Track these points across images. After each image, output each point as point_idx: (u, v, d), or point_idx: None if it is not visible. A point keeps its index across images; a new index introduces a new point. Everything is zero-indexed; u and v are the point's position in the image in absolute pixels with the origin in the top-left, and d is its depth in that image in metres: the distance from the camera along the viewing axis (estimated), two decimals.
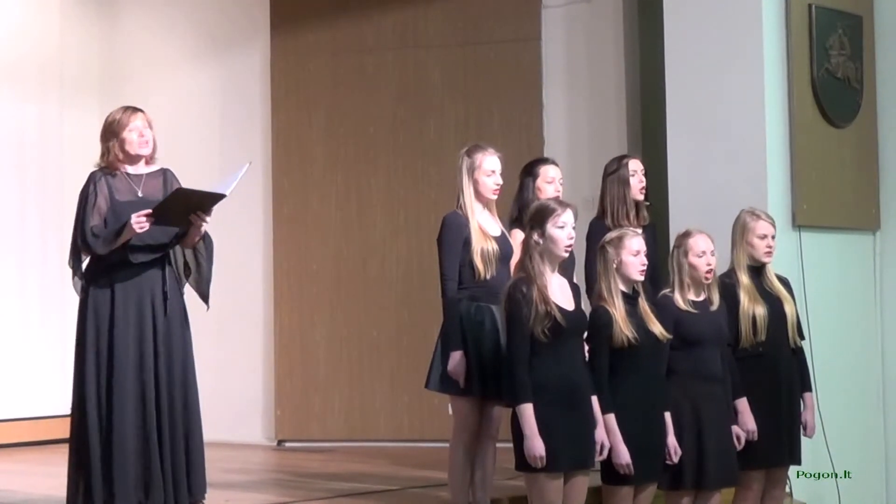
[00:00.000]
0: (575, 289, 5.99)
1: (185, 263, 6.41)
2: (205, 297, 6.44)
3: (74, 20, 10.39)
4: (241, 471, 8.31)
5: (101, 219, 6.18)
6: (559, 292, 5.85)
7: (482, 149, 6.51)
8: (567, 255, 5.95)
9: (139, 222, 6.05)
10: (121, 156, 6.26)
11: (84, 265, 6.30)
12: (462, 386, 6.33)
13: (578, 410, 5.81)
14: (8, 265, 9.91)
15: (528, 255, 5.85)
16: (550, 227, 5.83)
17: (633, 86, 9.31)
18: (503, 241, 6.47)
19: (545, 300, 5.74)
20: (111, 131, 6.26)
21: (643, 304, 6.13)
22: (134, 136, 6.25)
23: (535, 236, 5.84)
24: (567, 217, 5.85)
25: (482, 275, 6.35)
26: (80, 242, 6.22)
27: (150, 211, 6.07)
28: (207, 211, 6.22)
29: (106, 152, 6.27)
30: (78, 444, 6.24)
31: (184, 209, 6.17)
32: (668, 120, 8.10)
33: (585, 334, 6.00)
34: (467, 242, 6.36)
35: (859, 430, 8.31)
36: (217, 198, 6.19)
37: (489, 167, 6.47)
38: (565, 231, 5.84)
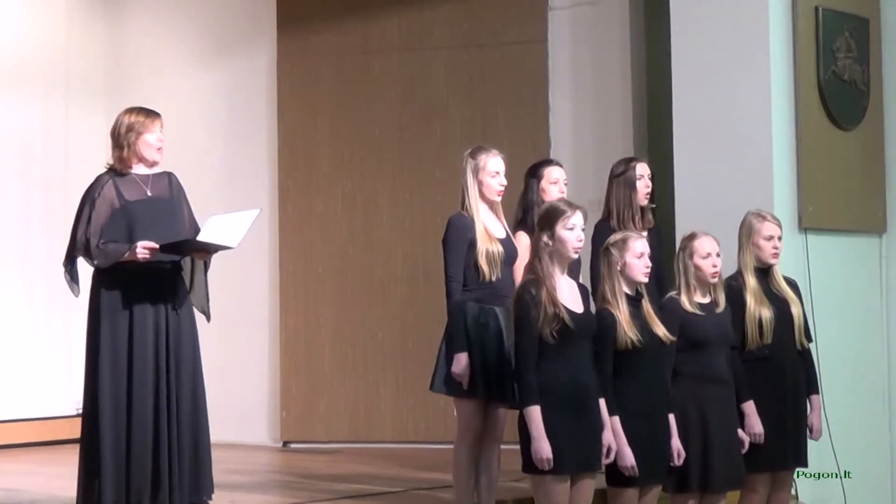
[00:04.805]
0: (584, 291, 5.98)
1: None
2: (204, 312, 6.47)
3: (80, 22, 10.40)
4: (246, 472, 8.31)
5: (100, 227, 6.21)
6: (568, 294, 5.84)
7: (486, 150, 6.51)
8: (576, 256, 5.95)
9: (143, 253, 6.10)
10: (136, 157, 6.30)
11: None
12: (466, 388, 6.33)
13: (586, 413, 5.80)
14: (13, 266, 9.93)
15: (538, 257, 5.84)
16: (560, 229, 5.82)
17: (640, 88, 9.31)
18: (508, 243, 6.47)
19: (554, 302, 5.74)
20: (133, 130, 6.29)
21: (647, 306, 6.13)
22: (153, 141, 6.30)
23: (545, 238, 5.83)
24: (577, 219, 5.84)
25: (487, 276, 6.35)
26: (81, 251, 6.24)
27: (156, 246, 6.12)
28: (212, 252, 6.32)
29: (126, 147, 6.29)
30: (90, 444, 6.24)
31: (191, 250, 6.29)
32: (674, 122, 8.10)
33: None
34: (472, 244, 6.36)
35: (865, 432, 8.30)
36: (224, 248, 6.28)
37: (493, 168, 6.48)
38: (574, 233, 5.84)
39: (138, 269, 6.21)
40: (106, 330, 6.22)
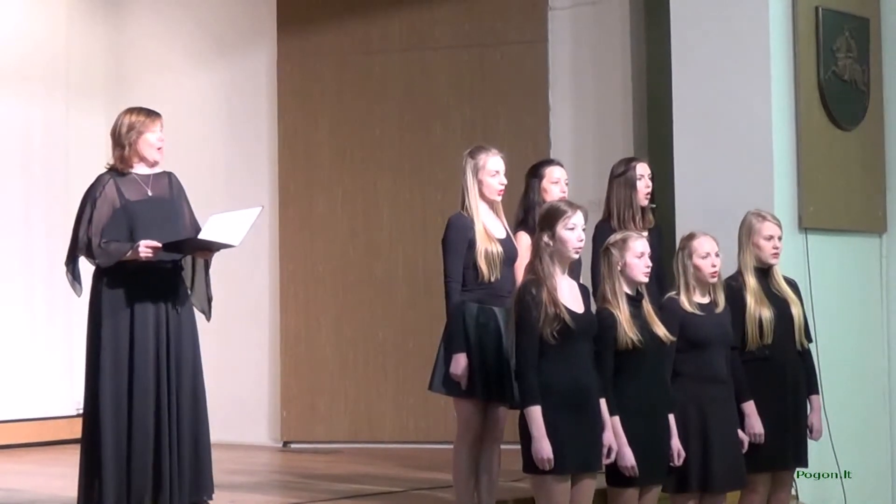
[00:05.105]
0: (584, 291, 5.98)
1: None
2: (204, 311, 6.48)
3: (80, 22, 10.40)
4: (246, 472, 8.31)
5: (101, 227, 6.22)
6: (568, 294, 5.85)
7: (485, 149, 6.51)
8: (577, 256, 5.95)
9: (146, 252, 6.10)
10: (137, 157, 6.31)
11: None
12: (464, 388, 6.33)
13: (586, 413, 5.80)
14: (14, 266, 9.92)
15: (538, 257, 5.84)
16: (560, 229, 5.82)
17: (640, 88, 9.31)
18: (508, 244, 6.47)
19: (554, 302, 5.74)
20: (133, 129, 6.31)
21: (647, 306, 6.13)
22: (154, 140, 6.32)
23: (546, 238, 5.84)
24: (577, 219, 5.85)
25: (486, 277, 6.35)
26: (83, 250, 6.25)
27: (160, 245, 6.13)
28: (214, 251, 6.33)
29: (127, 147, 6.30)
30: (91, 443, 6.24)
31: (193, 248, 6.29)
32: (674, 122, 8.10)
33: None
34: (471, 244, 6.35)
35: (865, 432, 8.30)
36: (226, 246, 6.28)
37: (493, 167, 6.47)
38: (575, 233, 5.84)
39: (139, 269, 6.22)
40: (107, 329, 6.22)
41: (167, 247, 6.18)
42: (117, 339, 6.21)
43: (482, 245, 6.35)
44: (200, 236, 6.22)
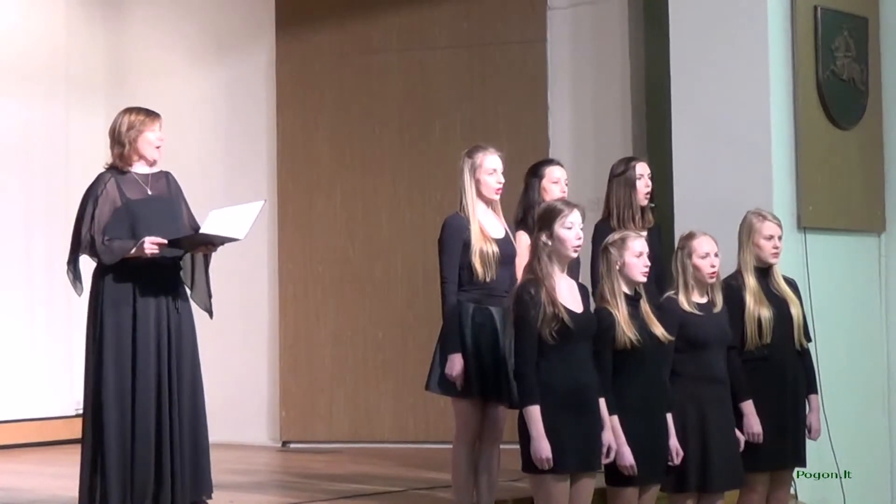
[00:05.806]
0: (583, 290, 5.98)
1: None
2: (207, 309, 6.48)
3: (80, 22, 10.40)
4: (245, 472, 8.31)
5: (104, 225, 6.23)
6: (567, 294, 5.85)
7: (482, 148, 6.51)
8: (576, 255, 5.95)
9: (151, 248, 6.12)
10: (137, 155, 6.33)
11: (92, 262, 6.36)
12: (459, 388, 6.33)
13: (586, 412, 5.80)
14: (13, 266, 9.93)
15: (537, 257, 5.84)
16: (558, 228, 5.83)
17: (639, 87, 9.31)
18: (505, 243, 6.46)
19: (553, 302, 5.74)
20: (133, 128, 6.33)
21: (645, 305, 6.13)
22: (153, 139, 6.34)
23: (543, 237, 5.84)
24: (575, 217, 5.85)
25: (482, 277, 6.34)
26: (87, 248, 6.26)
27: (165, 241, 6.14)
28: (217, 245, 6.34)
29: (127, 145, 6.32)
30: (94, 441, 6.23)
31: (198, 243, 6.29)
32: (673, 122, 8.10)
33: None
34: (467, 244, 6.35)
35: (864, 432, 8.30)
36: (231, 240, 6.30)
37: (490, 166, 6.47)
38: (573, 231, 5.84)
39: (140, 266, 6.23)
40: (109, 326, 6.23)
41: (172, 243, 6.19)
42: (119, 335, 6.22)
43: (477, 245, 6.34)
44: (202, 231, 6.23)
